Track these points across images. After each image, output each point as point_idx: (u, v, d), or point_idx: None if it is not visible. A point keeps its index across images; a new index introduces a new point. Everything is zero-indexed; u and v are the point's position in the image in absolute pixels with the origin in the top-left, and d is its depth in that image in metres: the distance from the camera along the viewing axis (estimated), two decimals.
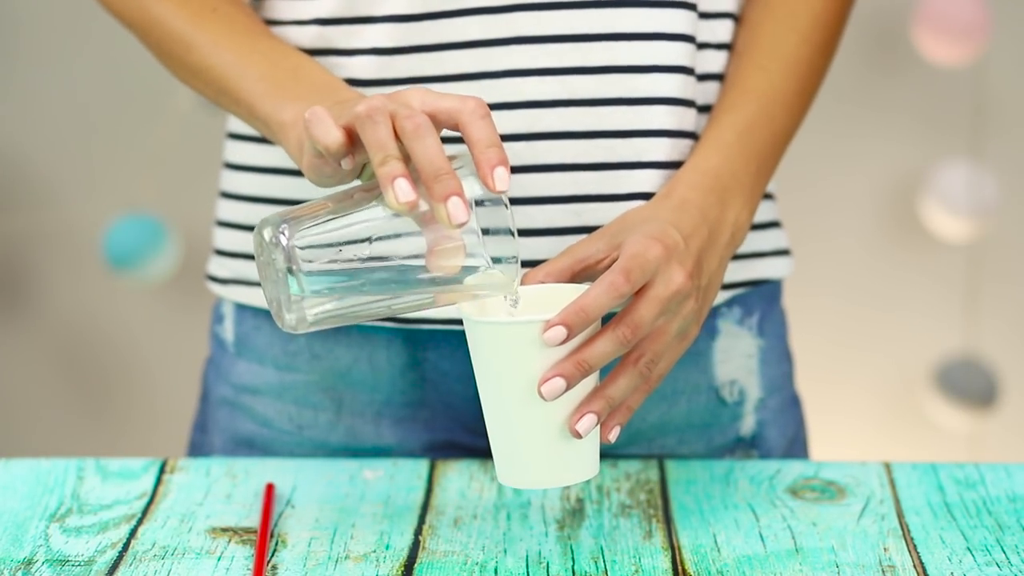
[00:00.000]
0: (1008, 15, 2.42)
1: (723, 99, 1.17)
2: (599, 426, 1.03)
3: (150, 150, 2.47)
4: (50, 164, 2.53)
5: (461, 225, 0.95)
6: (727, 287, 1.21)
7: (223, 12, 1.15)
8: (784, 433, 1.28)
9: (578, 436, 1.01)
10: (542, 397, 0.99)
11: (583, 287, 1.02)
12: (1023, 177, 2.50)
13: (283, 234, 0.98)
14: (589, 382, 1.02)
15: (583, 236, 1.13)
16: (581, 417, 1.01)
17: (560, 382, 0.99)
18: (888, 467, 1.18)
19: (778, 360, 1.27)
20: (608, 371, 1.04)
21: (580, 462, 1.03)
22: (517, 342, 1.00)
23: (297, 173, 1.19)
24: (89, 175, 2.53)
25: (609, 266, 1.04)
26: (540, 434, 1.02)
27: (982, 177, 2.37)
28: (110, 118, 2.50)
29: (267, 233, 0.98)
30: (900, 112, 2.49)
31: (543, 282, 1.05)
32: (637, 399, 1.05)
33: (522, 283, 1.05)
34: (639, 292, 1.02)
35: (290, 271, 0.98)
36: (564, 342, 0.99)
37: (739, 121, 1.15)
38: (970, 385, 2.42)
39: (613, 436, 1.03)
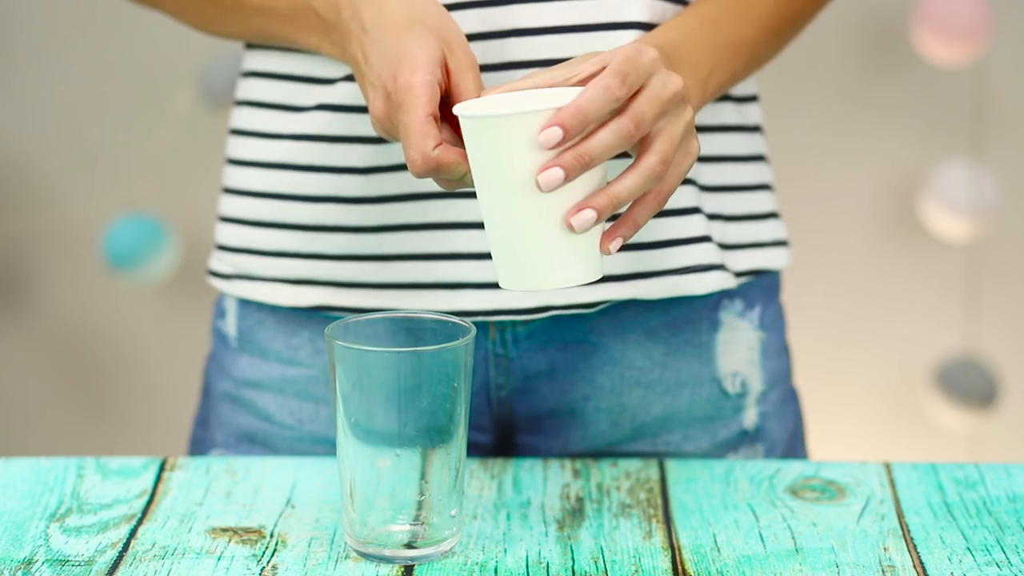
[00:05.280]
0: (1008, 15, 2.42)
1: None
2: (602, 234, 1.01)
3: (150, 150, 2.47)
4: (50, 164, 2.53)
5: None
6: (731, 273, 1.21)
7: None
8: (785, 426, 1.28)
9: (572, 229, 0.99)
10: (539, 188, 0.98)
11: (576, 90, 1.00)
12: (1023, 177, 2.50)
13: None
14: (593, 183, 1.00)
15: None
16: (580, 211, 0.99)
17: (558, 172, 0.98)
18: (888, 467, 1.18)
19: (778, 354, 1.28)
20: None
21: (579, 262, 1.01)
22: (517, 135, 0.98)
23: (300, 169, 1.19)
24: (89, 175, 2.53)
25: None
26: (538, 229, 1.00)
27: (982, 177, 2.37)
28: (110, 118, 2.50)
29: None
30: (900, 112, 2.49)
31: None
32: (644, 213, 1.03)
33: (510, 90, 1.03)
34: (636, 94, 1.00)
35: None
36: (559, 145, 0.97)
37: (705, 12, 1.14)
38: (970, 385, 2.41)
39: (614, 247, 1.02)
